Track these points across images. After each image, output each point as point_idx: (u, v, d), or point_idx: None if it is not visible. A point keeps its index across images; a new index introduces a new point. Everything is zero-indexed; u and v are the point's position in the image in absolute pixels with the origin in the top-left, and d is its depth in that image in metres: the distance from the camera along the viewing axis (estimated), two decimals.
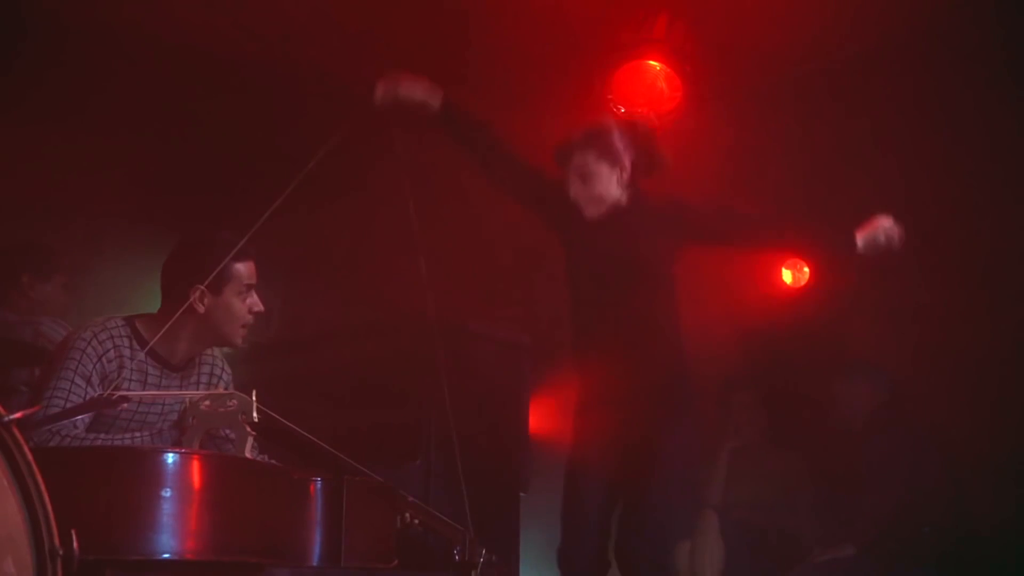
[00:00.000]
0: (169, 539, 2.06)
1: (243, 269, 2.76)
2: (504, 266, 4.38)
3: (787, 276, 5.51)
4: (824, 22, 4.31)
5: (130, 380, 2.65)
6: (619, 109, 4.41)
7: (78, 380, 2.57)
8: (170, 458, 2.12)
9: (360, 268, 4.46)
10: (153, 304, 2.88)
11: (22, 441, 1.73)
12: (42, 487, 1.73)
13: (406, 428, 3.62)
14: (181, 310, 2.67)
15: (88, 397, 2.53)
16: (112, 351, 2.65)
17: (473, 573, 2.84)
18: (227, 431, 2.59)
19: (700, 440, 3.47)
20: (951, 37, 4.27)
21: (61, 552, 1.74)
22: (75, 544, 1.75)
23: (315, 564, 2.45)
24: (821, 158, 4.62)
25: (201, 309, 2.72)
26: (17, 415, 1.71)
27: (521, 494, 3.92)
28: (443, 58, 3.97)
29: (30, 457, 1.73)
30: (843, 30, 4.40)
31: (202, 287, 2.70)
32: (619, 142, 3.31)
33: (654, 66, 4.40)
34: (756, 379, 5.18)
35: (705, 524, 4.71)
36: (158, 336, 2.65)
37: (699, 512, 4.72)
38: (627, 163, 3.31)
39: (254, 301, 2.80)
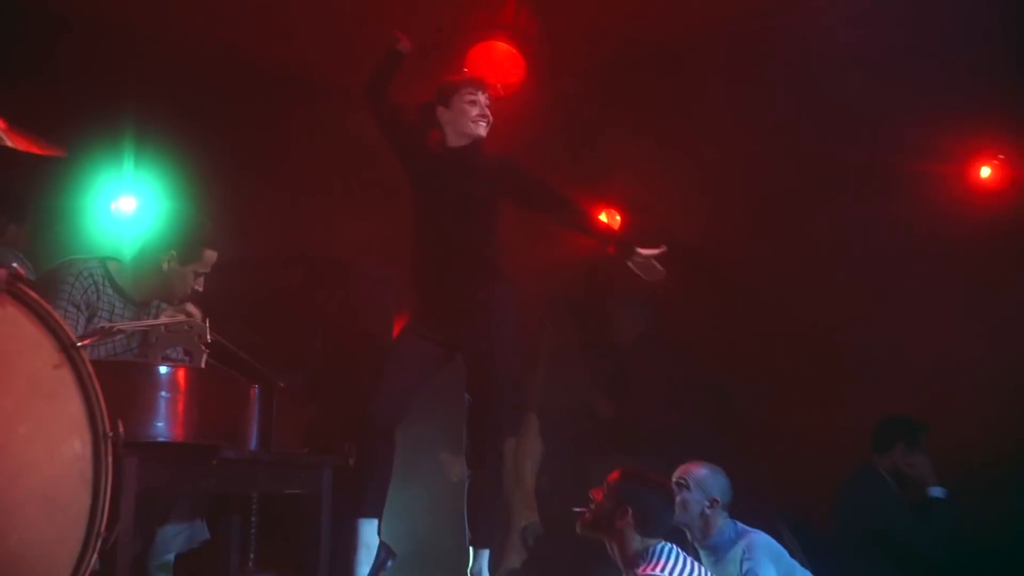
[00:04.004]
0: (165, 427, 2.87)
1: (209, 257, 3.51)
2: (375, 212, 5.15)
3: (603, 217, 6.58)
4: (649, 12, 5.25)
5: (103, 310, 3.37)
6: None
7: (71, 308, 3.24)
8: (163, 370, 2.92)
9: (255, 206, 5.14)
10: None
11: (86, 358, 2.48)
12: (98, 390, 2.50)
13: (296, 346, 4.42)
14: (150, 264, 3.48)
15: (79, 322, 3.24)
16: (92, 286, 3.36)
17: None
18: (179, 350, 3.37)
19: (521, 351, 4.24)
20: (790, 24, 5.12)
21: (111, 435, 2.52)
22: (121, 430, 2.54)
23: (253, 448, 3.30)
24: (649, 133, 5.62)
25: (164, 268, 3.46)
26: (85, 341, 2.47)
27: None
28: (332, 38, 4.73)
29: (91, 369, 2.49)
30: (666, 19, 5.33)
31: (174, 253, 3.45)
32: None
33: (502, 46, 5.28)
34: (568, 303, 6.27)
35: (527, 425, 5.78)
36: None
37: (523, 414, 5.79)
38: None
39: (200, 283, 3.53)
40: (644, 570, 3.18)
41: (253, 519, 3.90)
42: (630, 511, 3.34)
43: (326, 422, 3.80)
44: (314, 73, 5.04)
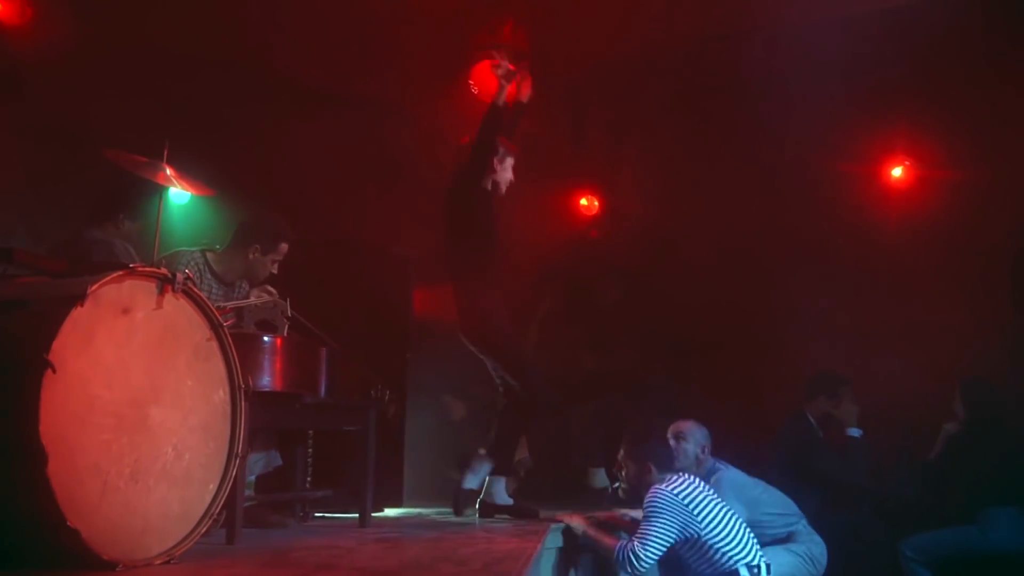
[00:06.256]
0: (268, 379, 3.97)
1: (283, 248, 4.59)
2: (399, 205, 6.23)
3: (584, 202, 7.71)
4: (617, 34, 6.34)
5: (203, 290, 4.42)
6: (475, 91, 6.32)
7: None
8: (266, 338, 4.01)
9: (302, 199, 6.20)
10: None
11: (227, 333, 3.55)
12: (235, 355, 3.57)
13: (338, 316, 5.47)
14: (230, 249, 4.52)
15: None
16: (196, 272, 4.42)
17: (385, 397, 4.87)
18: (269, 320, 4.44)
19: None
20: (741, 46, 6.26)
21: (243, 387, 3.60)
22: (251, 383, 3.63)
23: (322, 395, 4.39)
24: (621, 132, 6.73)
25: (251, 258, 4.53)
26: (228, 322, 3.54)
27: (408, 355, 5.94)
28: (363, 57, 5.77)
29: (230, 340, 3.56)
30: (632, 40, 6.43)
31: (258, 247, 4.51)
32: None
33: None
34: (559, 275, 7.38)
35: None
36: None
37: None
38: None
39: (275, 268, 4.61)
40: (656, 488, 4.39)
41: (310, 450, 5.05)
42: (651, 467, 4.54)
43: (361, 376, 4.88)
44: (348, 87, 6.10)
